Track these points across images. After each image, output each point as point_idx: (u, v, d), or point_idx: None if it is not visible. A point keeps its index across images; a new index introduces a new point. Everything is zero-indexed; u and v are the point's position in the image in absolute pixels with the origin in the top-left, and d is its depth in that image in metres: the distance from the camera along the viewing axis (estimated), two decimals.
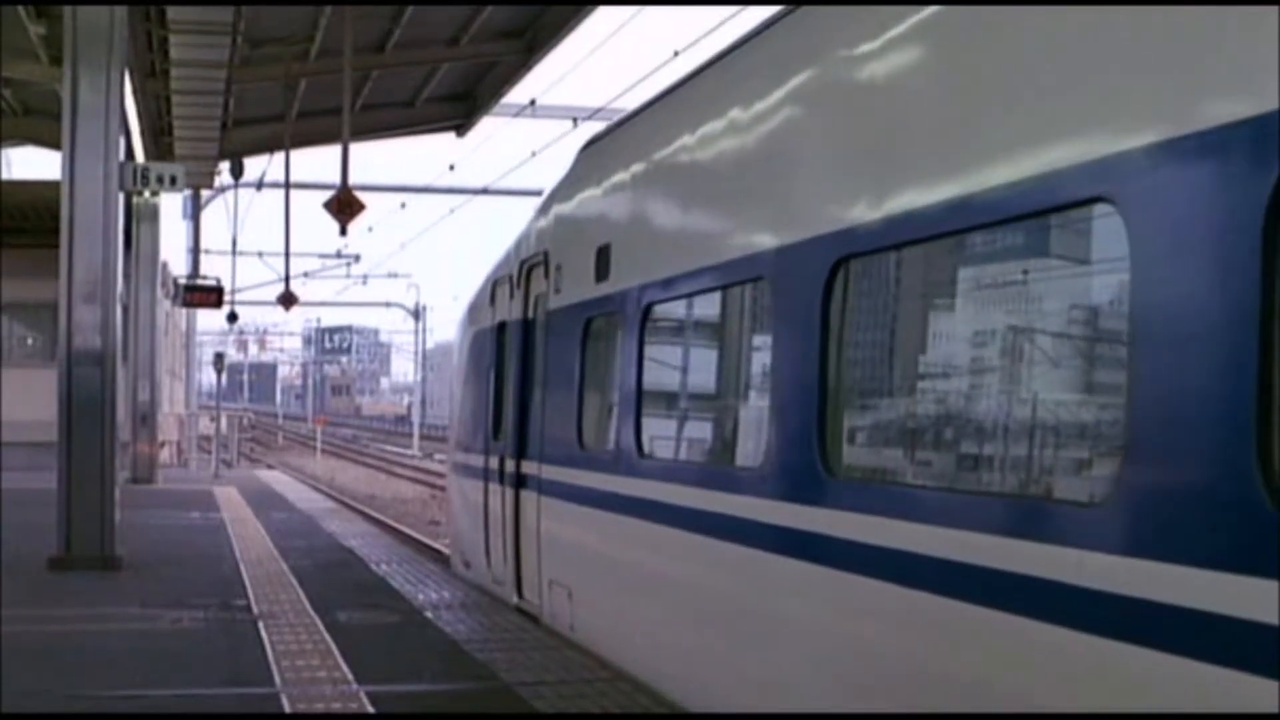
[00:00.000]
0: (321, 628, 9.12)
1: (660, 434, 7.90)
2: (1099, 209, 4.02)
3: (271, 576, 11.74)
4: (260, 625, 9.20)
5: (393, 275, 61.86)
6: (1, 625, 8.67)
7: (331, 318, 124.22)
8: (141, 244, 23.99)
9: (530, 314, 10.42)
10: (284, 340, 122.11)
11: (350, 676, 7.60)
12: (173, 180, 13.14)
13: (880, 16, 5.31)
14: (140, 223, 23.89)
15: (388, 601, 10.58)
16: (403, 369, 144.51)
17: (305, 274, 49.36)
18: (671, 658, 7.20)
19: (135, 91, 17.20)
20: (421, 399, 73.52)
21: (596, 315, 8.66)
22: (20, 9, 16.64)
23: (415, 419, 66.47)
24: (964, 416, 4.94)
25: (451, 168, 35.49)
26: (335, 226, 17.59)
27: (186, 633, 9.04)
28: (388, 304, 71.76)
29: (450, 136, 26.61)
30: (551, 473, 9.35)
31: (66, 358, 12.11)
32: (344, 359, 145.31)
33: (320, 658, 8.09)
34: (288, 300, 27.56)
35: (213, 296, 27.01)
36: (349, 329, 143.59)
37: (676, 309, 7.67)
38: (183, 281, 27.97)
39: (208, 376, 57.39)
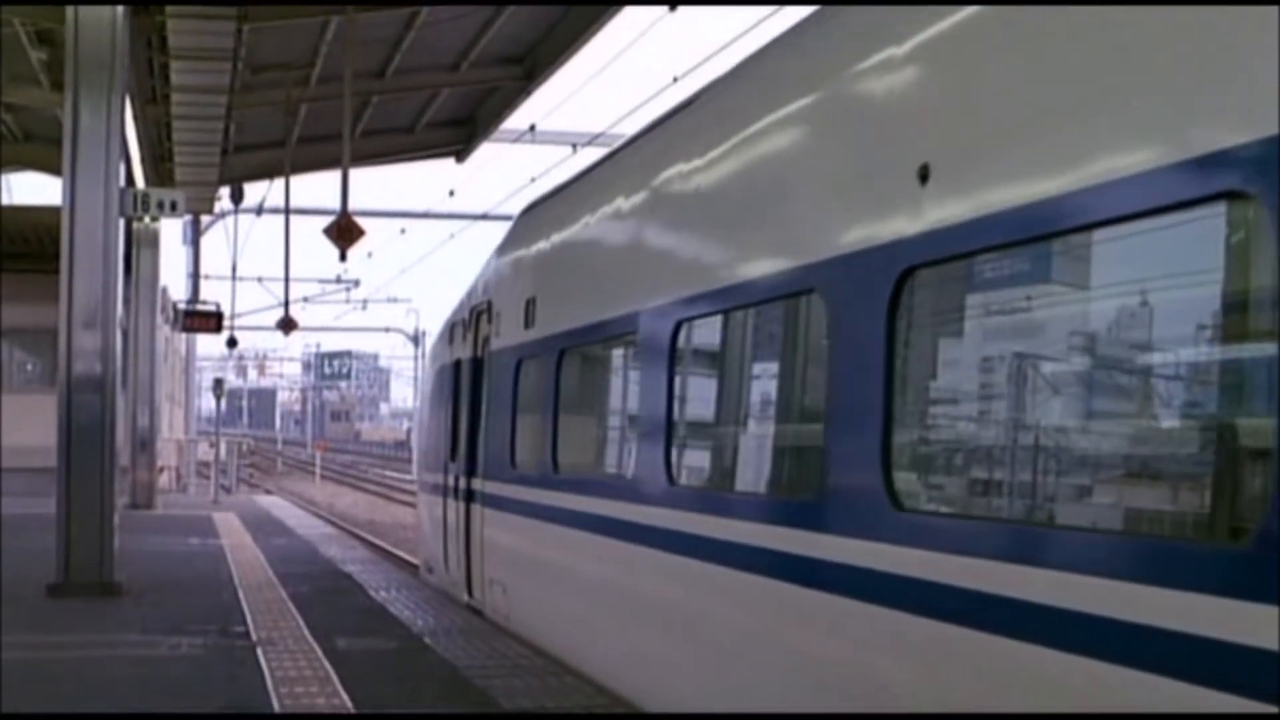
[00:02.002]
0: (320, 654, 9.09)
1: (568, 454, 9.43)
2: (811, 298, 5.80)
3: (270, 603, 11.70)
4: (259, 651, 9.17)
5: (392, 300, 62.10)
6: (1, 651, 8.64)
7: (331, 343, 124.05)
8: (141, 269, 24.03)
9: (479, 353, 12.20)
10: (283, 365, 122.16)
11: (349, 703, 7.57)
12: (173, 206, 13.14)
13: (702, 143, 7.20)
14: (140, 248, 23.93)
15: (387, 628, 10.54)
16: (402, 394, 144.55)
17: (305, 299, 49.41)
18: (584, 641, 8.70)
19: (136, 117, 17.24)
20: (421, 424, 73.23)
21: (525, 357, 10.44)
22: (22, 35, 16.72)
23: (415, 444, 66.35)
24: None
25: (451, 193, 35.64)
26: (335, 252, 17.61)
27: (185, 659, 9.00)
28: (387, 329, 71.96)
29: (450, 162, 26.70)
30: (491, 488, 11.26)
31: (66, 383, 12.09)
32: (343, 384, 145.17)
33: (319, 684, 8.06)
34: (287, 325, 27.56)
35: (212, 322, 27.03)
36: (348, 354, 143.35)
37: (579, 354, 9.48)
38: (183, 307, 28.00)
39: (207, 402, 57.38)
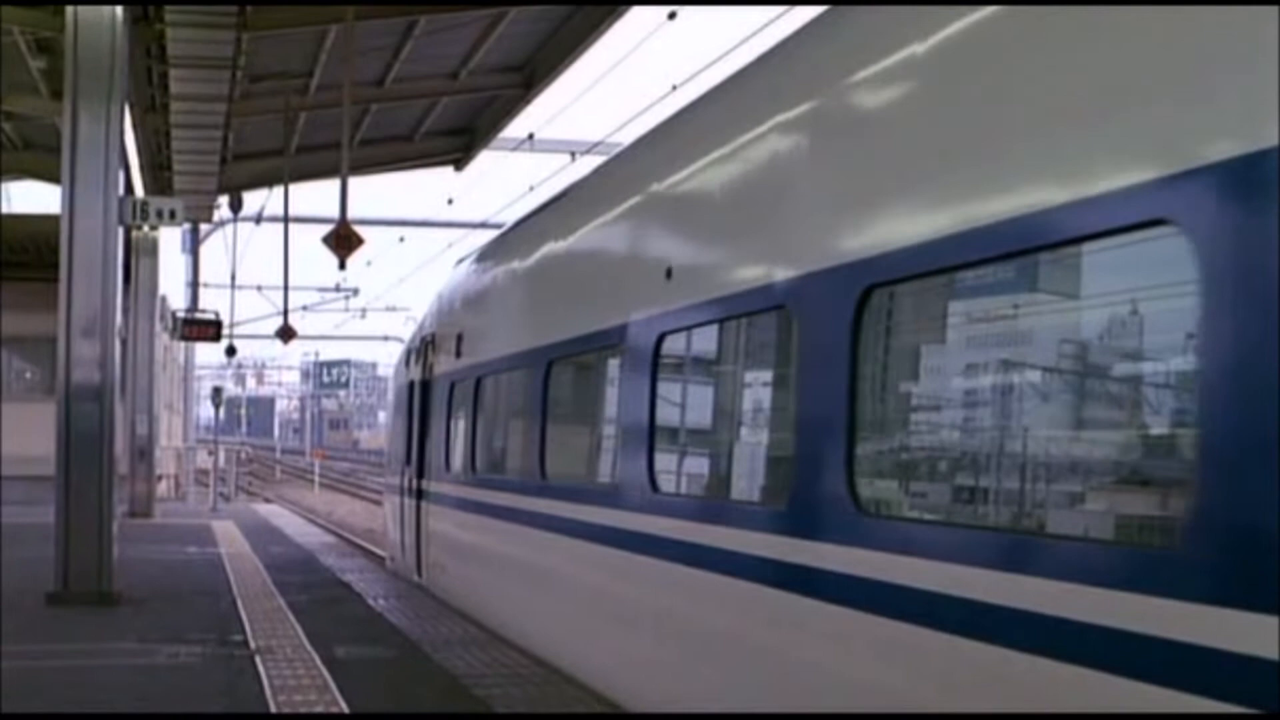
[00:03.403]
0: (319, 663, 9.08)
1: (482, 459, 12.05)
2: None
3: (269, 611, 11.69)
4: (258, 660, 9.16)
5: (391, 309, 61.81)
6: (0, 660, 8.64)
7: (330, 351, 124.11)
8: (141, 278, 24.02)
9: (426, 376, 14.65)
10: (282, 374, 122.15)
11: (347, 712, 7.57)
12: (172, 214, 13.14)
13: (596, 208, 9.25)
14: (139, 257, 23.93)
15: (385, 636, 10.54)
16: None
17: (304, 307, 49.34)
18: (502, 610, 10.75)
19: (135, 126, 17.26)
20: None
21: (456, 381, 12.99)
22: (21, 43, 16.73)
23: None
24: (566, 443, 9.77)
25: (450, 201, 35.68)
26: (334, 260, 17.60)
27: (184, 668, 9.00)
28: (385, 338, 71.64)
29: (449, 170, 26.71)
30: (433, 487, 13.79)
31: (65, 392, 12.09)
32: (342, 393, 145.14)
33: (318, 693, 8.06)
34: (286, 334, 27.53)
35: (211, 330, 27.01)
36: (347, 363, 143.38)
37: (493, 383, 11.79)
38: (181, 315, 27.98)
39: (206, 410, 57.35)
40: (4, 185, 27.08)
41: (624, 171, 9.15)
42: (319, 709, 7.62)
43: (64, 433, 12.07)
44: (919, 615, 4.68)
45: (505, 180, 32.81)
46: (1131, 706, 3.69)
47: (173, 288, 33.27)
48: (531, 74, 20.87)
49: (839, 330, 5.27)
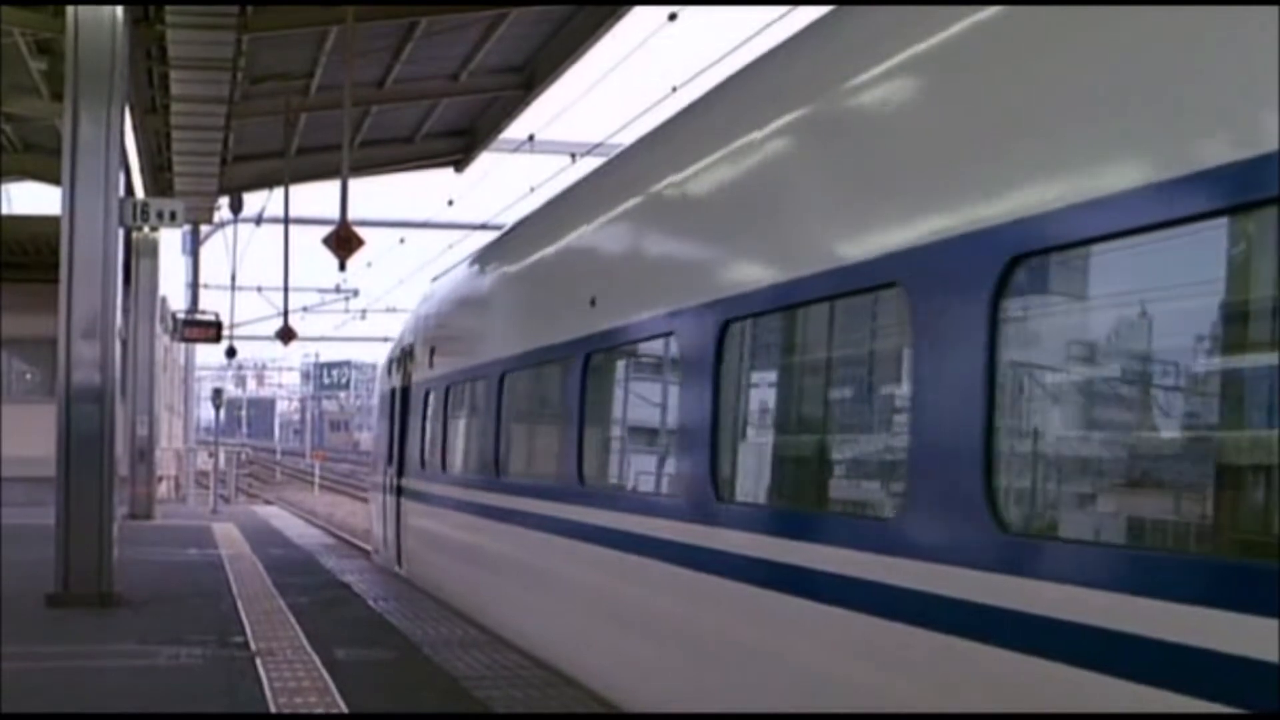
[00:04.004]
0: (319, 665, 9.08)
1: (450, 458, 13.40)
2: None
3: (269, 613, 11.69)
4: (258, 662, 9.15)
5: (391, 310, 61.72)
6: (0, 661, 8.64)
7: (330, 353, 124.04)
8: (141, 279, 24.03)
9: (405, 384, 16.13)
10: (282, 375, 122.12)
11: (348, 713, 7.56)
12: (172, 216, 13.14)
13: (533, 245, 11.17)
14: (140, 258, 23.93)
15: (386, 638, 10.53)
16: None
17: (304, 309, 49.33)
18: (468, 594, 12.05)
19: (135, 127, 17.26)
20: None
21: (428, 389, 14.54)
22: (22, 45, 16.73)
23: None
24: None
25: (450, 203, 35.60)
26: (334, 261, 17.60)
27: (184, 669, 8.99)
28: (386, 339, 71.59)
29: (449, 172, 26.70)
30: (409, 483, 15.30)
31: (65, 393, 12.08)
32: (342, 394, 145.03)
33: (318, 695, 8.05)
34: (286, 335, 27.50)
35: (211, 331, 27.03)
36: (348, 364, 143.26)
37: (459, 391, 13.18)
38: (182, 316, 27.97)
39: (206, 412, 57.34)
40: (4, 186, 27.08)
41: (555, 214, 11.03)
42: (319, 710, 7.61)
43: (64, 434, 12.07)
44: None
45: (506, 181, 32.78)
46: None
47: (173, 289, 33.33)
48: (532, 75, 20.87)
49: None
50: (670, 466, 7.48)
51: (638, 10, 17.40)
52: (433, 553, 13.92)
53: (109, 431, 12.15)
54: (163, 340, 27.45)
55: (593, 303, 8.70)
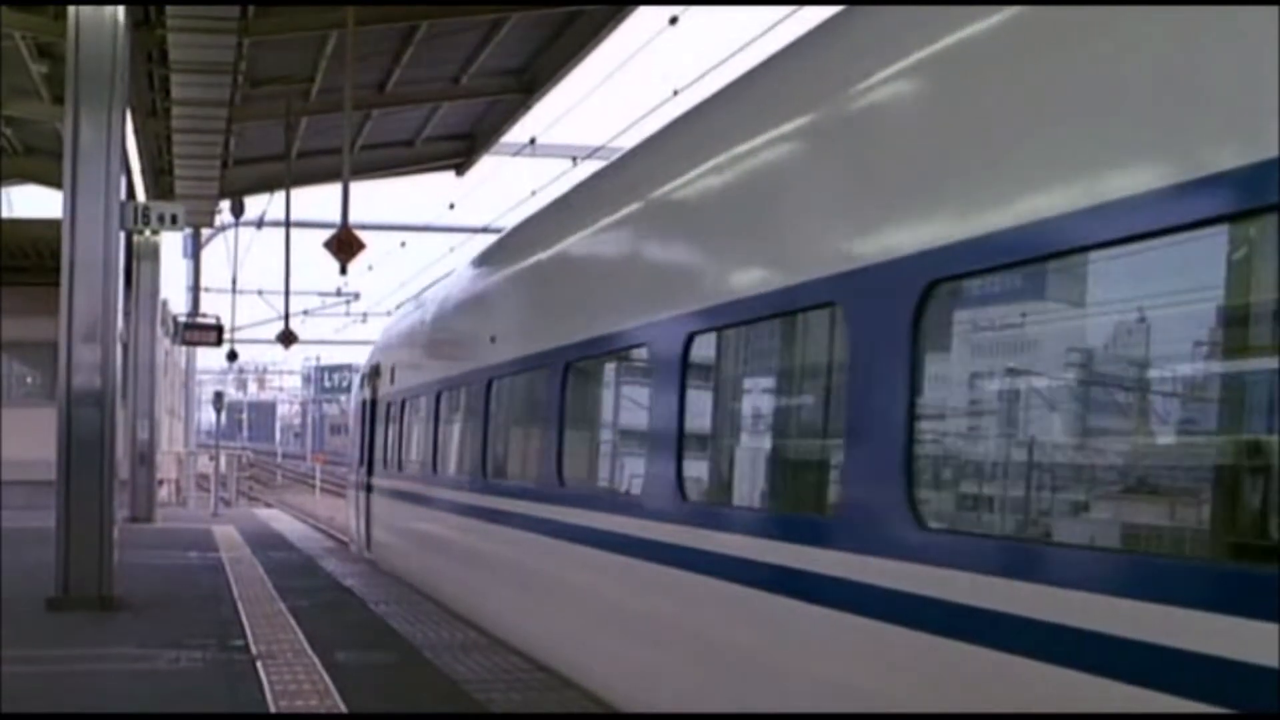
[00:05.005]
0: (320, 668, 9.08)
1: (408, 458, 15.66)
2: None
3: (270, 616, 11.68)
4: (259, 665, 9.15)
5: (392, 313, 61.77)
6: (1, 665, 8.63)
7: (331, 356, 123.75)
8: (142, 282, 24.03)
9: (373, 396, 18.62)
10: (283, 379, 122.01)
11: (348, 714, 7.55)
12: (173, 219, 13.14)
13: (442, 302, 14.25)
14: (140, 261, 23.93)
15: (387, 641, 10.53)
16: None
17: (305, 312, 49.21)
18: (428, 575, 13.76)
19: (136, 130, 17.25)
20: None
21: (390, 401, 16.89)
22: (23, 48, 16.74)
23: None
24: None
25: (452, 206, 35.61)
26: (335, 265, 17.58)
27: (184, 673, 8.99)
28: None
29: (450, 175, 26.71)
30: (377, 481, 17.72)
31: (66, 397, 12.08)
32: (343, 398, 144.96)
33: (319, 698, 8.05)
34: (287, 339, 27.49)
35: (212, 335, 27.00)
36: (348, 368, 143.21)
37: (415, 405, 15.22)
38: (183, 320, 27.95)
39: (207, 415, 57.32)
40: (5, 190, 27.07)
41: (490, 259, 12.83)
42: (320, 714, 7.60)
43: (65, 438, 12.06)
44: None
45: (507, 185, 32.79)
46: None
47: (174, 292, 33.33)
48: (533, 79, 20.88)
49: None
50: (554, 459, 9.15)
51: (638, 14, 17.40)
52: (393, 537, 16.30)
53: (109, 435, 12.15)
54: (163, 343, 27.44)
55: (492, 340, 11.32)
